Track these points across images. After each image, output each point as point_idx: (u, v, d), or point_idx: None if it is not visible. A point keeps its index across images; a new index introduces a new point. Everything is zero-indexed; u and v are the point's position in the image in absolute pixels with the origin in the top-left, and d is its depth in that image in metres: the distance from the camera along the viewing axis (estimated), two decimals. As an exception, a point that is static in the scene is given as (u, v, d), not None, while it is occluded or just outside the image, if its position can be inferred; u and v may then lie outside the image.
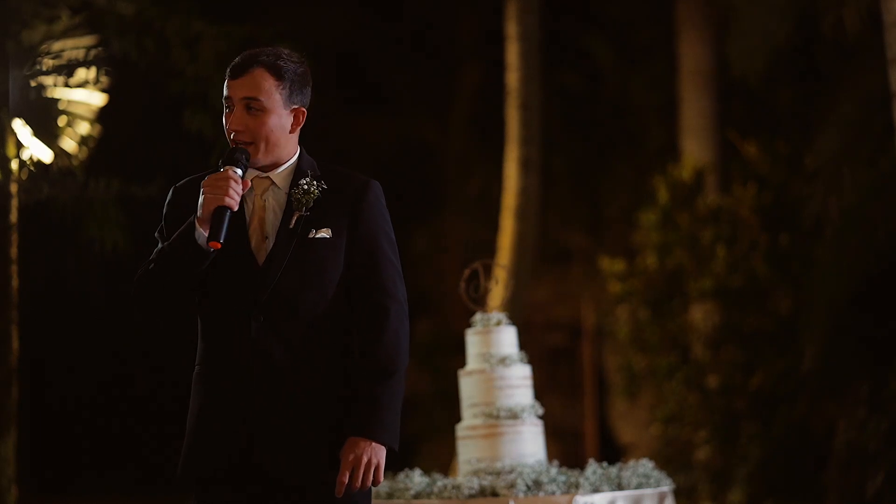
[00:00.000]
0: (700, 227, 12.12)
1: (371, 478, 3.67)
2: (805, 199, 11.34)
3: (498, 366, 6.48)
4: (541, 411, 6.51)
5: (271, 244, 3.75)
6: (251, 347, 3.70)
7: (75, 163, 7.63)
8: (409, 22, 17.95)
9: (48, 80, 7.61)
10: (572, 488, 6.03)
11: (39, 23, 7.54)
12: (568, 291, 17.28)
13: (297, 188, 3.78)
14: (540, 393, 6.92)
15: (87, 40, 7.66)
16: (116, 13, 7.56)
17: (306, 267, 3.74)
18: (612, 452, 14.71)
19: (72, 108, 7.72)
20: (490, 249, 12.05)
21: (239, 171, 3.72)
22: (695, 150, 13.15)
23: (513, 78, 11.93)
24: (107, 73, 7.65)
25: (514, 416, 6.39)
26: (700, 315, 12.25)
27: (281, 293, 3.72)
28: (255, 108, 3.75)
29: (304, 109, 3.84)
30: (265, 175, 3.82)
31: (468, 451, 6.43)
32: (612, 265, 12.53)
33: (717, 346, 12.02)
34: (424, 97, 17.96)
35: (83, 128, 7.72)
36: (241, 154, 3.74)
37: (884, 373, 9.99)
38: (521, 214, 11.71)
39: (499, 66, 12.49)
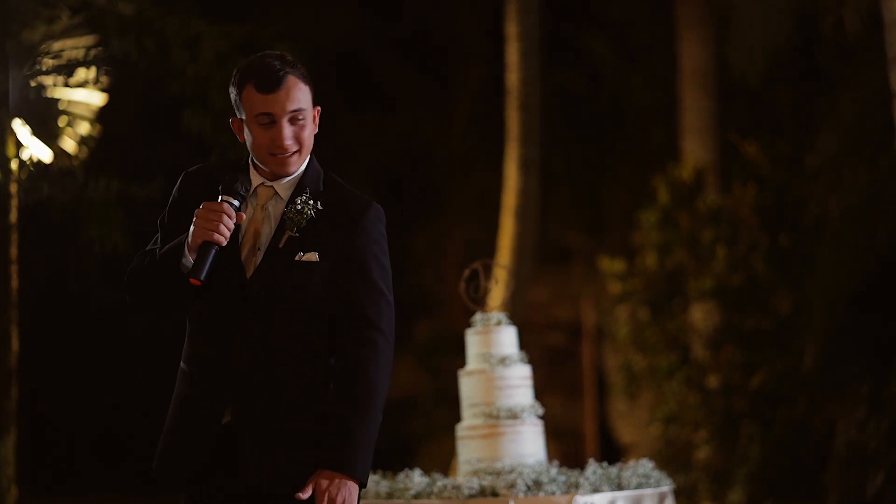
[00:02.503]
0: (700, 227, 12.10)
1: None
2: (805, 199, 11.35)
3: (498, 366, 6.48)
4: (541, 411, 6.51)
5: (261, 257, 3.71)
6: (235, 352, 3.68)
7: (75, 163, 7.63)
8: (409, 22, 17.95)
9: (48, 80, 7.60)
10: (572, 488, 6.02)
11: (39, 23, 7.54)
12: (568, 291, 17.29)
13: (292, 206, 3.72)
14: (540, 393, 6.92)
15: (87, 40, 7.65)
16: (116, 13, 7.55)
17: (292, 287, 3.68)
18: (612, 452, 14.72)
19: (72, 108, 7.71)
20: (490, 249, 12.04)
21: (236, 203, 3.67)
22: (695, 150, 13.14)
23: (513, 78, 11.92)
24: (107, 73, 7.65)
25: (514, 416, 6.39)
26: (700, 315, 12.25)
27: (265, 307, 3.68)
28: (300, 119, 3.71)
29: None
30: (269, 184, 3.77)
31: (468, 451, 6.43)
32: (612, 265, 12.52)
33: (717, 346, 12.01)
34: (424, 97, 17.96)
35: (83, 128, 7.72)
36: (240, 185, 3.69)
37: (884, 373, 10.00)
38: (521, 214, 11.70)
39: (499, 66, 12.49)
